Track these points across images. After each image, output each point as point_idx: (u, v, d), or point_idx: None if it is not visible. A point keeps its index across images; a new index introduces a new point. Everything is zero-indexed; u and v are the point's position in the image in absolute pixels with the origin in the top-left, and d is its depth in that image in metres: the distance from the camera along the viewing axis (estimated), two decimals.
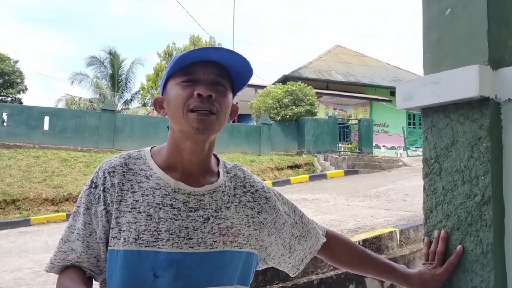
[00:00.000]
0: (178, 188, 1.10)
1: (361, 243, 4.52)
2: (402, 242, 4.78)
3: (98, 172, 1.13)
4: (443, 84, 1.23)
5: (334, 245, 1.35)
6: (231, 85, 1.15)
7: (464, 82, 1.17)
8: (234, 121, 22.23)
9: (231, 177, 1.23)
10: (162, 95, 1.16)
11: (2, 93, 25.73)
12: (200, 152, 1.13)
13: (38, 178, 11.18)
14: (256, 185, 1.25)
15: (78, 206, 1.12)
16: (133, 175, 1.11)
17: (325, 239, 1.33)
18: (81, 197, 1.13)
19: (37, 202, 10.37)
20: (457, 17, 1.26)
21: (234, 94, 1.18)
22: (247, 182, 1.24)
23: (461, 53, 1.24)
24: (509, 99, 1.16)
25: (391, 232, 4.78)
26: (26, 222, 9.41)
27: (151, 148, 1.21)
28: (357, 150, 17.47)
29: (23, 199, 10.29)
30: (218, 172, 1.21)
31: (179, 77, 1.09)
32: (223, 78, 1.11)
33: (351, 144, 18.23)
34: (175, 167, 1.14)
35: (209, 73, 1.08)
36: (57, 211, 10.13)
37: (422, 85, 1.30)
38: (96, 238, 1.09)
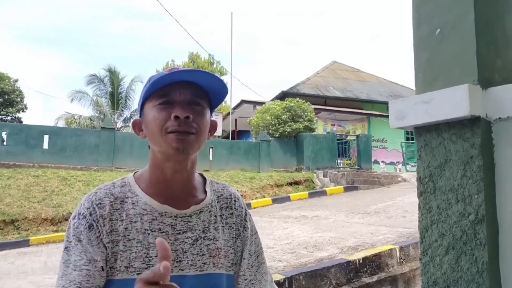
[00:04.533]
0: (165, 212, 1.09)
1: (361, 261, 4.50)
2: (402, 260, 4.75)
3: (84, 204, 1.09)
4: (435, 103, 1.25)
5: None
6: (208, 103, 1.13)
7: (454, 101, 1.19)
8: (233, 138, 22.28)
9: (218, 197, 1.22)
10: (140, 117, 1.15)
11: (1, 112, 25.79)
12: (183, 170, 1.11)
13: (37, 198, 11.13)
14: (241, 210, 1.24)
15: (69, 241, 1.06)
16: (120, 204, 1.09)
17: None
18: (69, 229, 1.08)
19: (36, 222, 10.29)
20: (447, 37, 1.28)
21: (212, 111, 1.17)
22: (233, 204, 1.23)
23: (451, 73, 1.26)
24: (499, 118, 1.17)
25: (390, 250, 4.76)
26: (25, 243, 9.31)
27: (134, 173, 1.19)
28: (356, 166, 17.45)
29: (22, 219, 10.21)
30: (205, 191, 1.20)
31: (156, 99, 1.08)
32: (200, 97, 1.10)
33: (350, 160, 18.20)
34: (159, 189, 1.12)
35: (185, 94, 1.07)
36: (57, 231, 10.05)
37: (414, 104, 1.31)
38: (95, 266, 1.03)
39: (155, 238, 1.05)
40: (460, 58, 1.24)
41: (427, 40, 1.33)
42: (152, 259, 1.04)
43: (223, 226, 1.18)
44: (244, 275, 1.20)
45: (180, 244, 1.08)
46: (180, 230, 1.09)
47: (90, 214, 1.07)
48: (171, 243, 1.07)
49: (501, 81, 1.22)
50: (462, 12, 1.24)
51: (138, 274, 1.02)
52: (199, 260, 1.09)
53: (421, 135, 1.34)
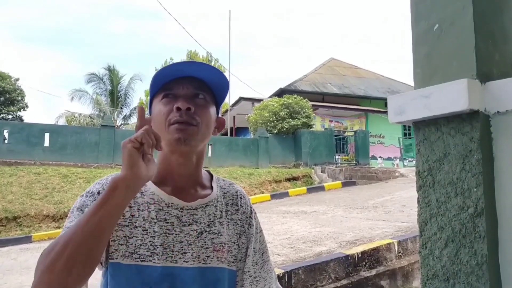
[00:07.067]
0: (172, 203, 1.11)
1: (360, 255, 4.52)
2: (400, 254, 4.78)
3: (94, 185, 1.14)
4: (433, 98, 1.25)
5: None
6: (212, 98, 1.17)
7: (453, 95, 1.19)
8: (231, 135, 22.29)
9: (224, 193, 1.24)
10: (150, 115, 1.18)
11: (3, 111, 25.78)
12: (188, 164, 1.15)
13: (39, 195, 11.17)
14: (247, 207, 1.26)
15: (72, 212, 1.10)
16: None
17: None
18: (74, 205, 1.11)
19: (38, 218, 10.35)
20: (445, 32, 1.28)
21: (218, 107, 1.20)
22: (239, 201, 1.25)
23: (450, 68, 1.27)
24: (498, 111, 1.18)
25: (389, 244, 4.79)
26: (27, 239, 9.38)
27: None
28: (354, 162, 17.47)
29: (24, 215, 10.27)
30: (212, 187, 1.22)
31: (161, 94, 1.13)
32: (203, 91, 1.14)
33: (348, 155, 18.22)
34: (167, 181, 1.15)
35: (188, 87, 1.12)
36: (58, 227, 10.10)
37: (413, 99, 1.32)
38: None
39: (161, 228, 1.08)
40: (459, 52, 1.24)
41: (426, 36, 1.34)
42: (157, 247, 1.07)
43: (228, 222, 1.19)
44: (249, 271, 1.22)
45: (185, 236, 1.10)
46: (186, 222, 1.11)
47: (98, 193, 1.10)
48: (176, 234, 1.09)
49: (500, 75, 1.22)
50: (460, 7, 1.25)
51: (142, 261, 1.05)
52: (203, 253, 1.11)
53: (420, 129, 1.35)
